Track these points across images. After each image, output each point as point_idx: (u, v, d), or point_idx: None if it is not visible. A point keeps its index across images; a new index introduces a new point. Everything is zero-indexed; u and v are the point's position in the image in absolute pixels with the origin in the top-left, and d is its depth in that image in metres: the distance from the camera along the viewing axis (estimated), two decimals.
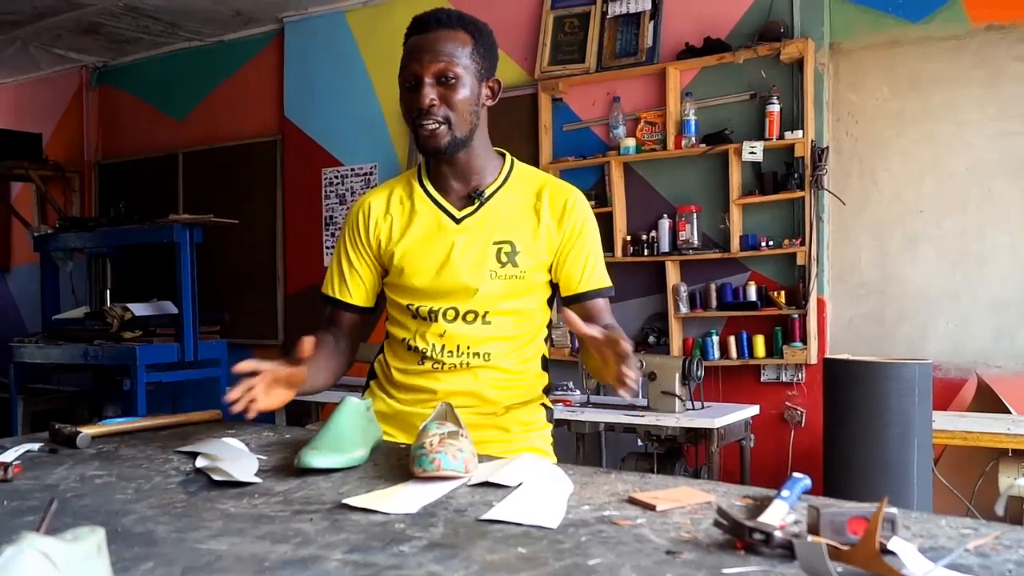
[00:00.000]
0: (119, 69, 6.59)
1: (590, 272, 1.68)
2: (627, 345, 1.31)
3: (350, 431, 1.41)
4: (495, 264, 1.64)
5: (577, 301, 1.68)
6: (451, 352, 1.65)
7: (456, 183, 1.69)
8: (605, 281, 1.71)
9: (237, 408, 1.38)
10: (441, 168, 1.68)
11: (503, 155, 1.74)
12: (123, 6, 5.32)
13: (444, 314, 1.65)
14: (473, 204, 1.67)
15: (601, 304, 1.70)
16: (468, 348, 1.65)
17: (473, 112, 1.62)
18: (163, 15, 5.52)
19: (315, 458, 1.32)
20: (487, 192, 1.68)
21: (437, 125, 1.58)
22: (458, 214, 1.68)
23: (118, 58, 6.52)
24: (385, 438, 1.62)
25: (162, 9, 5.40)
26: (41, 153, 6.46)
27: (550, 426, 1.79)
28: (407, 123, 1.63)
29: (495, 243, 1.65)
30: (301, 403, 4.53)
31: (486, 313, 1.65)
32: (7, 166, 6.26)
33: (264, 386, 1.42)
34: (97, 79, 6.69)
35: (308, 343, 1.43)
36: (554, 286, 1.72)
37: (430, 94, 1.57)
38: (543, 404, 1.78)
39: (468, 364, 1.66)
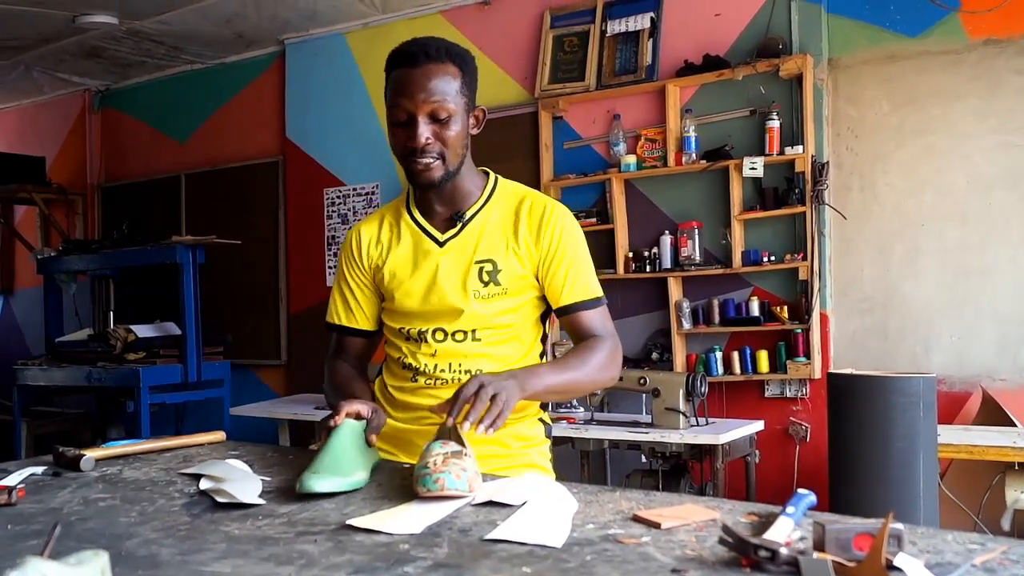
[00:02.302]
0: (122, 92, 6.63)
1: (572, 283, 1.67)
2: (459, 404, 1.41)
3: (349, 452, 1.41)
4: (478, 284, 1.65)
5: (565, 314, 1.69)
6: (443, 369, 1.67)
7: (440, 208, 1.70)
8: (591, 291, 1.69)
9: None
10: (427, 195, 1.70)
11: (487, 174, 1.75)
12: (125, 30, 5.35)
13: (433, 335, 1.67)
14: (455, 226, 1.69)
15: (590, 315, 1.68)
16: (460, 365, 1.67)
17: (464, 145, 1.64)
18: (165, 39, 5.56)
19: (317, 482, 1.32)
20: (468, 214, 1.69)
21: (431, 160, 1.59)
22: (441, 237, 1.69)
23: (121, 81, 6.56)
24: (386, 457, 1.62)
25: (164, 33, 5.44)
26: (44, 176, 6.50)
27: (548, 441, 1.79)
28: (397, 157, 1.64)
29: (477, 263, 1.66)
30: (304, 423, 4.52)
31: (474, 331, 1.66)
32: (11, 189, 6.31)
33: None
34: (100, 102, 6.72)
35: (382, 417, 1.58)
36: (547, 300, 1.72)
37: (425, 133, 1.57)
38: (541, 420, 1.77)
39: (460, 381, 1.65)
